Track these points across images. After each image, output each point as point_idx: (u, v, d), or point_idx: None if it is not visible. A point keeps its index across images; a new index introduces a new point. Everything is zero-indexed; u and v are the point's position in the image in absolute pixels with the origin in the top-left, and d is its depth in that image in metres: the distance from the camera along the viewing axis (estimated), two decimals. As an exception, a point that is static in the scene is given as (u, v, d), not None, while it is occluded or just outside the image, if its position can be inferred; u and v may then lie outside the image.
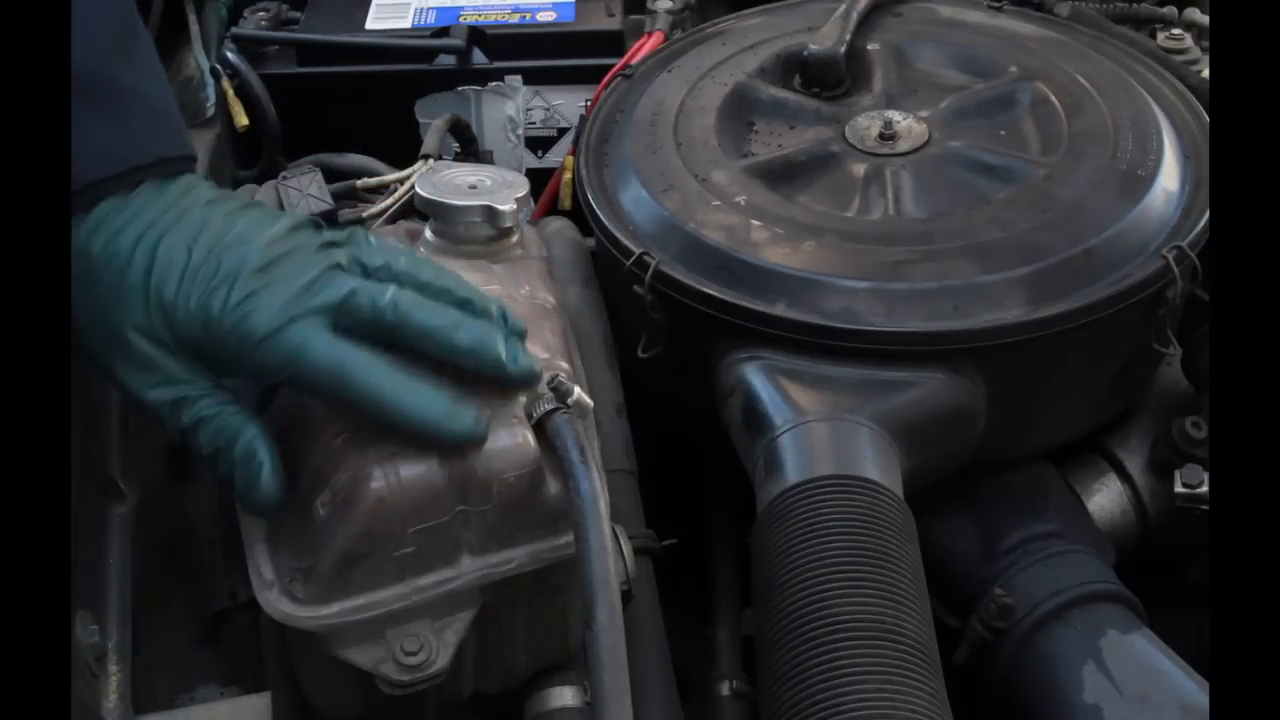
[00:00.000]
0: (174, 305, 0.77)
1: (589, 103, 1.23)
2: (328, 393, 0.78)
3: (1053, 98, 1.09)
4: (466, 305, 0.81)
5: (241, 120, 1.30)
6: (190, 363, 0.78)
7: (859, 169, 1.06)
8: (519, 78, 1.34)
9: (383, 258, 0.81)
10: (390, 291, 0.78)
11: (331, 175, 1.13)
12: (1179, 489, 0.96)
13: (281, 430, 0.83)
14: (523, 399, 0.81)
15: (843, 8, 1.19)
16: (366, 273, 0.80)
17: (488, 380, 0.80)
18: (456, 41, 1.33)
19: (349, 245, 0.81)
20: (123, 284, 0.77)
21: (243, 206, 0.82)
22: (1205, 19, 1.34)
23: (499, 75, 1.34)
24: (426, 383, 0.78)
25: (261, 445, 0.78)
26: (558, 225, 1.15)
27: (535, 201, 1.28)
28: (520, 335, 0.82)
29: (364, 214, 1.10)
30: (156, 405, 0.78)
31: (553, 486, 0.80)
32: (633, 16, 1.36)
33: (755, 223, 1.00)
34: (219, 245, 0.78)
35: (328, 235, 0.81)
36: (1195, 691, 0.86)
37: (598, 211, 1.05)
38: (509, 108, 1.35)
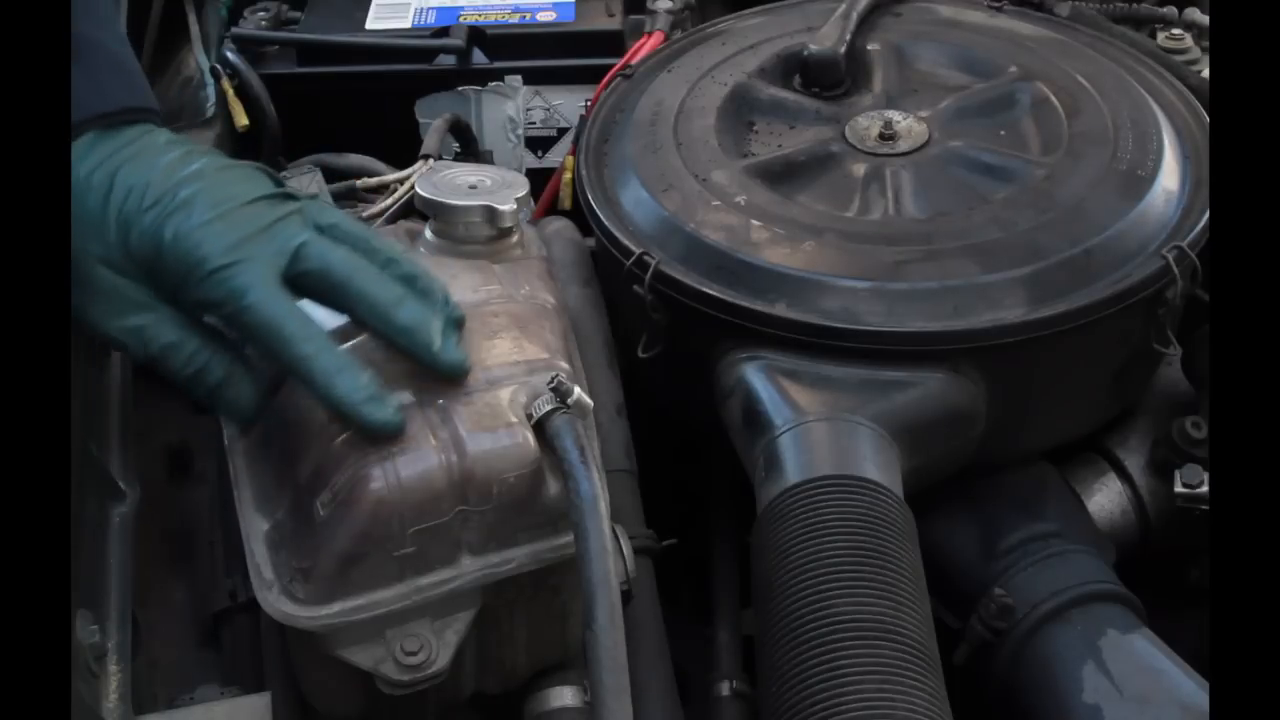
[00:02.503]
0: (129, 226, 0.78)
1: (589, 103, 1.23)
2: (262, 344, 0.79)
3: (1053, 98, 1.09)
4: (411, 281, 0.82)
5: (241, 120, 1.30)
6: (148, 288, 0.80)
7: (859, 169, 1.06)
8: (519, 78, 1.34)
9: (334, 218, 0.82)
10: (341, 251, 0.80)
11: (331, 175, 1.13)
12: (1179, 489, 0.96)
13: (281, 429, 0.83)
14: (523, 399, 0.81)
15: (843, 8, 1.19)
16: (320, 230, 0.81)
17: (419, 361, 0.80)
18: (456, 41, 1.33)
19: (304, 200, 0.83)
20: (82, 211, 0.78)
21: (202, 150, 0.83)
22: (1205, 19, 1.34)
23: (499, 75, 1.34)
24: (357, 364, 0.79)
25: (239, 367, 0.82)
26: (558, 225, 1.15)
27: (535, 201, 1.28)
28: (458, 323, 0.83)
29: (364, 214, 1.10)
30: (122, 335, 0.80)
31: (553, 486, 0.80)
32: (633, 16, 1.36)
33: (755, 223, 1.00)
34: (176, 176, 0.79)
35: (286, 188, 0.83)
36: (1195, 691, 0.86)
37: (598, 211, 1.05)
38: (509, 108, 1.35)
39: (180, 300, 0.80)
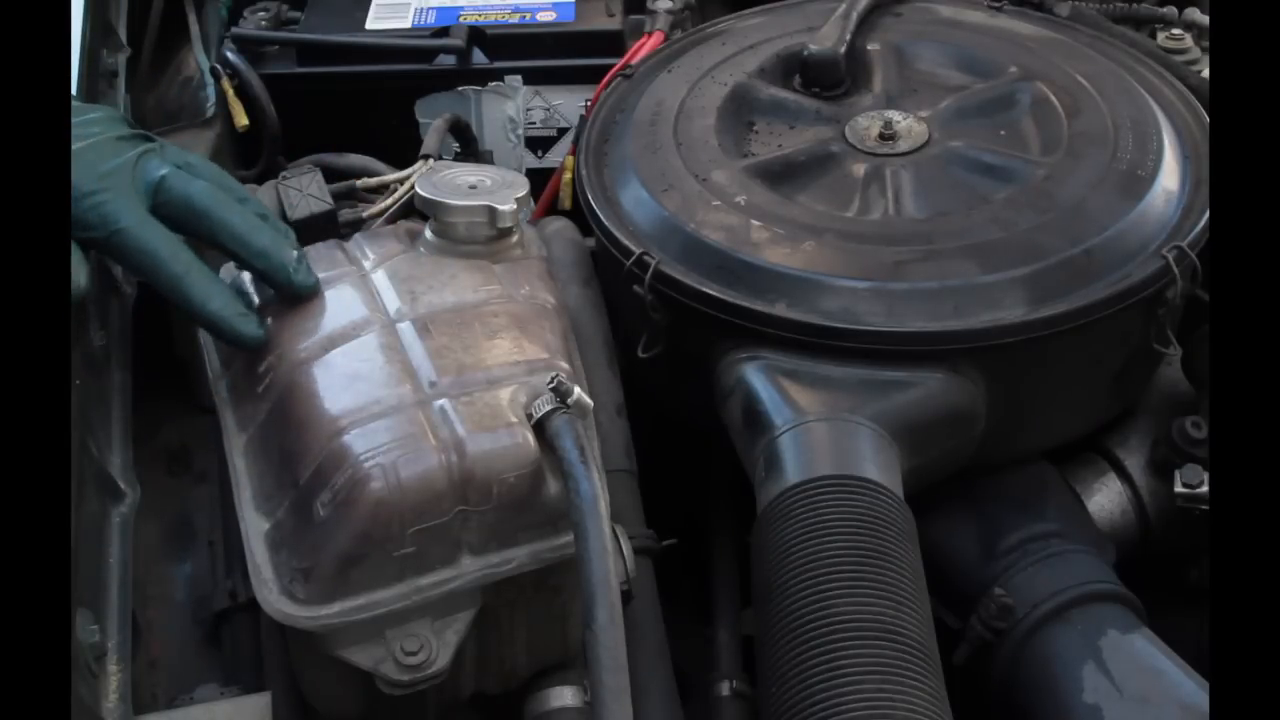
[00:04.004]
0: None
1: (589, 103, 1.23)
2: (137, 268, 0.87)
3: (1053, 98, 1.09)
4: (264, 216, 0.91)
5: (241, 120, 1.30)
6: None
7: (859, 169, 1.06)
8: (519, 78, 1.34)
9: (190, 158, 0.90)
10: (200, 184, 0.88)
11: (331, 175, 1.13)
12: (1179, 489, 0.96)
13: (281, 429, 0.83)
14: (523, 399, 0.81)
15: (843, 8, 1.19)
16: (179, 167, 0.89)
17: (274, 283, 0.88)
18: (456, 41, 1.33)
19: (160, 140, 0.91)
20: None
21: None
22: (1205, 19, 1.34)
23: (499, 75, 1.34)
24: (225, 284, 0.88)
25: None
26: (558, 225, 1.15)
27: (535, 201, 1.28)
28: (303, 256, 0.91)
29: (364, 214, 1.10)
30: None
31: (553, 486, 0.80)
32: (633, 16, 1.36)
33: (755, 223, 0.99)
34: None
35: (141, 131, 0.91)
36: (1195, 691, 0.86)
37: (598, 211, 1.05)
38: (509, 108, 1.35)
39: (76, 223, 0.84)
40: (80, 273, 0.83)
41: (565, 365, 0.86)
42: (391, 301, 0.89)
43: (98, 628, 0.84)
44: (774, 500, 0.85)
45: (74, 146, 0.85)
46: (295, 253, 0.89)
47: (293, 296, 0.89)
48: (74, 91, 0.99)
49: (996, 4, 1.25)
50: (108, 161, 0.86)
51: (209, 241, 0.88)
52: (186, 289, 0.86)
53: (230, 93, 1.30)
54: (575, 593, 0.78)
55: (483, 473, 0.78)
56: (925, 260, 0.95)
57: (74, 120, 0.87)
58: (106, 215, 0.84)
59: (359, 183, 1.13)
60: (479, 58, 1.35)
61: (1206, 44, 1.31)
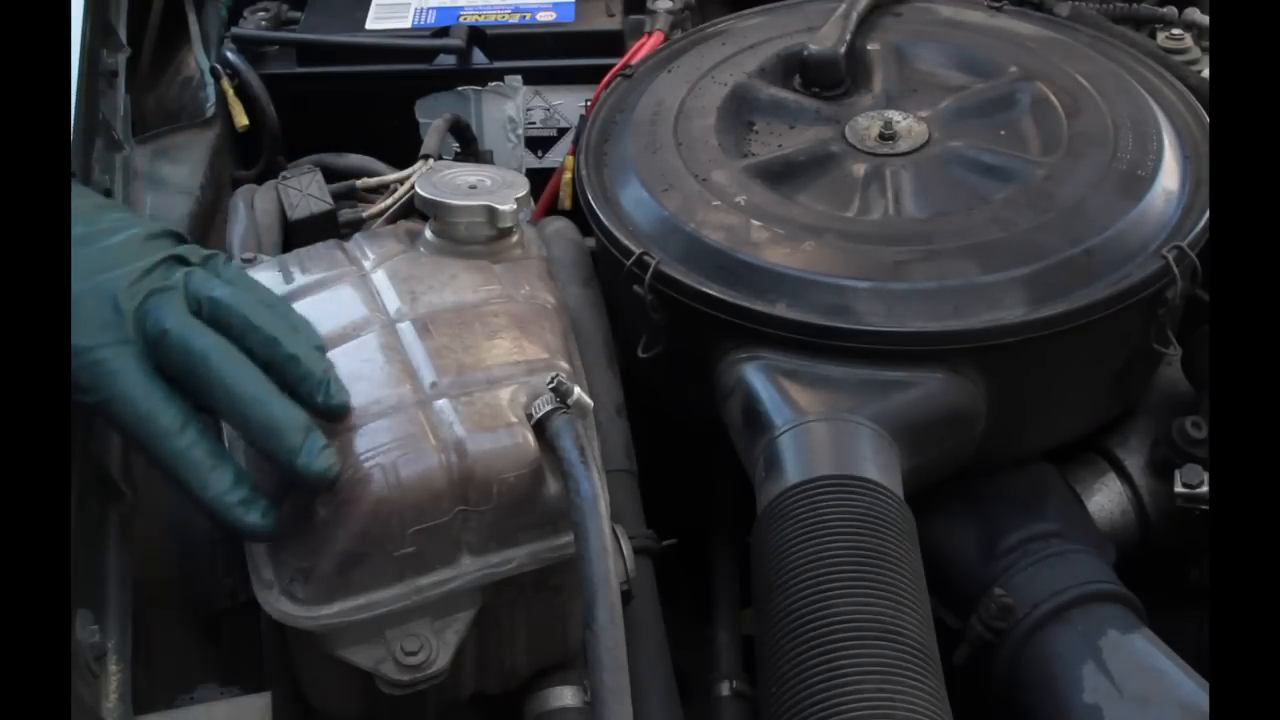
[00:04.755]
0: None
1: (589, 103, 1.23)
2: (132, 439, 0.76)
3: (1053, 98, 1.09)
4: (290, 362, 0.77)
5: (241, 120, 1.30)
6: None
7: (859, 169, 1.06)
8: (519, 78, 1.34)
9: (219, 290, 0.77)
10: (204, 340, 0.75)
11: (331, 175, 1.13)
12: (1179, 489, 0.96)
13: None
14: (523, 399, 0.81)
15: (843, 8, 1.19)
16: (199, 305, 0.77)
17: (277, 467, 0.75)
18: (456, 41, 1.33)
19: (194, 267, 0.79)
20: None
21: (93, 208, 0.80)
22: (1205, 19, 1.34)
23: (499, 75, 1.34)
24: (230, 461, 0.76)
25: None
26: (558, 225, 1.15)
27: (535, 201, 1.28)
28: (337, 411, 0.78)
29: (364, 214, 1.10)
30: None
31: (553, 486, 0.80)
32: (633, 16, 1.36)
33: (755, 223, 1.00)
34: (81, 238, 0.77)
35: (178, 250, 0.79)
36: (1195, 691, 0.86)
37: (598, 211, 1.05)
38: (509, 108, 1.35)
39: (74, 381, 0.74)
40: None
41: (565, 365, 0.86)
42: (391, 301, 0.89)
43: (98, 628, 0.84)
44: (774, 500, 0.85)
45: (81, 286, 0.74)
46: (304, 426, 0.75)
47: (305, 485, 0.76)
48: (74, 97, 0.97)
49: (996, 4, 1.25)
50: (106, 310, 0.74)
51: (211, 412, 0.76)
52: (183, 471, 0.74)
53: (230, 93, 1.31)
54: (575, 593, 0.78)
55: (483, 473, 0.78)
56: (925, 260, 0.95)
57: (96, 248, 0.77)
58: (99, 378, 0.73)
59: (359, 183, 1.13)
60: (479, 58, 1.35)
61: (1206, 44, 1.31)
